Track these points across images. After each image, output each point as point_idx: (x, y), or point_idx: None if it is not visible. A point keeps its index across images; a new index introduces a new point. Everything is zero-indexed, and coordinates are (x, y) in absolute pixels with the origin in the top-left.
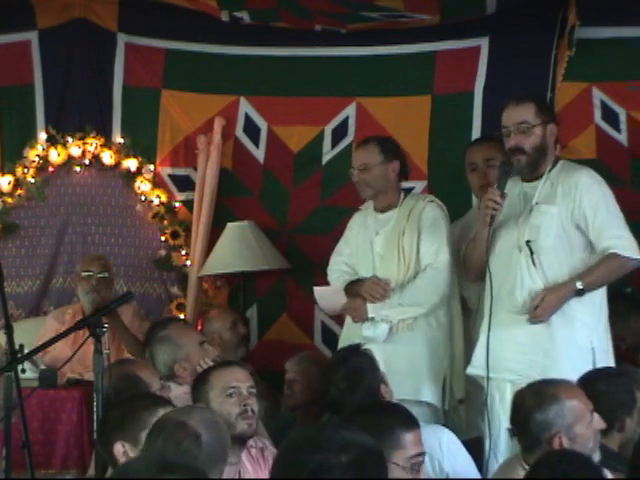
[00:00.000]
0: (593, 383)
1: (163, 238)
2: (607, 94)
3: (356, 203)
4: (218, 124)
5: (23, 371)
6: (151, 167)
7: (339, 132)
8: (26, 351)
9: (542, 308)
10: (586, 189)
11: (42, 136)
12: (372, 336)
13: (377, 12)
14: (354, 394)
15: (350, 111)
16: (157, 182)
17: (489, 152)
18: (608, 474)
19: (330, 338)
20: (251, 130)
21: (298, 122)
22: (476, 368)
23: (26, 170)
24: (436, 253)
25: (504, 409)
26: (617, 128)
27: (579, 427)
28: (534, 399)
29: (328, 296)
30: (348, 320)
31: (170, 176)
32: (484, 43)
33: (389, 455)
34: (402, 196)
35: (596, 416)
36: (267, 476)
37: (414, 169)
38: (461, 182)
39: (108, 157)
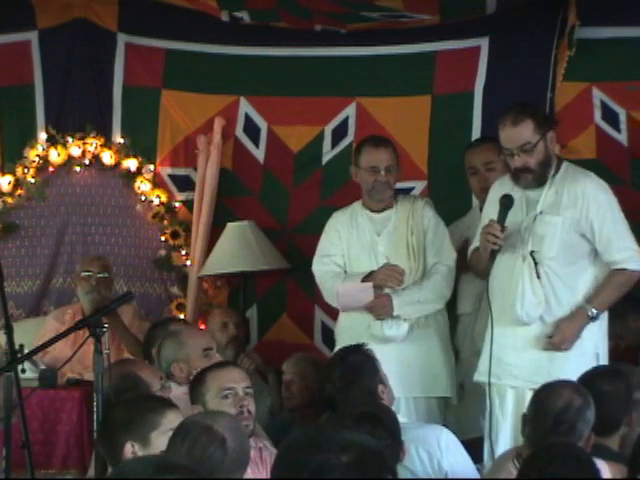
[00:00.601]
0: (594, 383)
1: (163, 238)
2: (607, 94)
3: None
4: (218, 124)
5: (23, 371)
6: (151, 167)
7: (339, 132)
8: (26, 351)
9: (560, 341)
10: (593, 198)
11: (42, 136)
12: (395, 335)
13: (377, 12)
14: (350, 392)
15: (350, 111)
16: (157, 182)
17: (488, 156)
18: (605, 467)
19: (330, 338)
20: (251, 130)
21: (298, 122)
22: (483, 375)
23: (26, 170)
24: (445, 250)
25: (503, 414)
26: (617, 128)
27: None
28: (582, 399)
29: (355, 293)
30: (348, 320)
31: (170, 176)
32: (484, 43)
33: None
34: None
35: None
36: (265, 476)
37: (414, 169)
38: (461, 182)
39: (108, 157)
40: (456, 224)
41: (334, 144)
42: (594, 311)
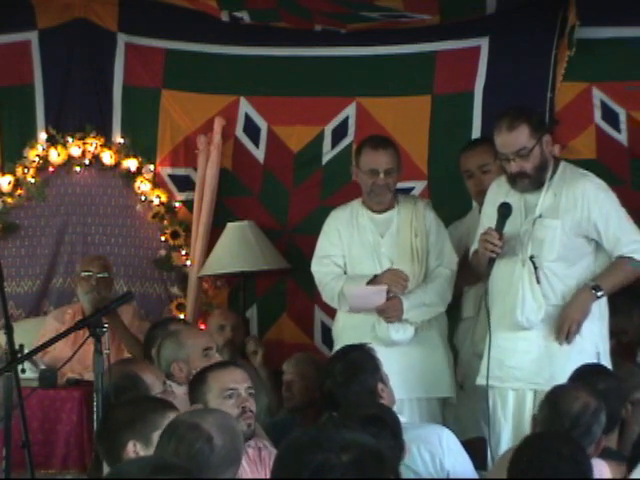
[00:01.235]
0: (594, 382)
1: (163, 238)
2: (607, 94)
3: None
4: (218, 124)
5: (23, 371)
6: (151, 167)
7: (339, 132)
8: (26, 351)
9: (562, 325)
10: (593, 199)
11: (42, 136)
12: (401, 339)
13: (377, 12)
14: (349, 388)
15: (350, 111)
16: (157, 182)
17: (482, 158)
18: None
19: (330, 338)
20: (251, 130)
21: (298, 122)
22: (484, 378)
23: (26, 170)
24: (446, 254)
25: (505, 416)
26: (617, 128)
27: None
28: (597, 401)
29: (369, 295)
30: (350, 320)
31: (170, 176)
32: (484, 43)
33: None
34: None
35: None
36: (264, 476)
37: (414, 169)
38: (461, 182)
39: (108, 157)
40: (456, 225)
41: (334, 144)
42: (601, 293)
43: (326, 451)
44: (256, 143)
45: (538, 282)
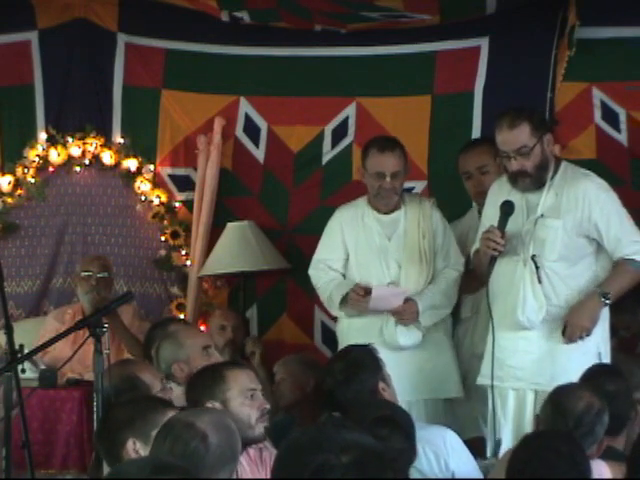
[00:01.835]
0: (598, 383)
1: (163, 238)
2: (607, 94)
3: None
4: (218, 124)
5: (23, 371)
6: (151, 167)
7: (339, 132)
8: (26, 351)
9: (572, 334)
10: (595, 199)
11: (42, 136)
12: (410, 345)
13: (377, 12)
14: (349, 386)
15: (350, 111)
16: (157, 182)
17: (481, 159)
18: (606, 468)
19: (330, 338)
20: (251, 130)
21: (298, 122)
22: (485, 377)
23: (26, 170)
24: (453, 255)
25: (505, 416)
26: (617, 128)
27: None
28: (600, 402)
29: (388, 297)
30: (357, 322)
31: (170, 176)
32: (484, 43)
33: None
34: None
35: None
36: (265, 476)
37: (414, 169)
38: (461, 182)
39: (108, 157)
40: (455, 224)
41: (334, 144)
42: (609, 300)
43: (326, 452)
44: (256, 143)
45: (539, 282)
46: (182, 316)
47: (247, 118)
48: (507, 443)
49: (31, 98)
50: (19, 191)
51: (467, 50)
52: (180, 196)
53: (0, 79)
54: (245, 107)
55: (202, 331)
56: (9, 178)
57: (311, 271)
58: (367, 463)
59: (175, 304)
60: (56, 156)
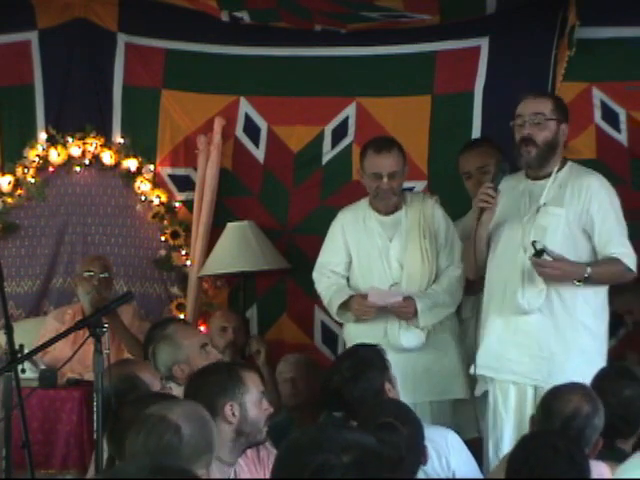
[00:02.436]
0: (614, 388)
1: (163, 238)
2: (607, 94)
3: None
4: (218, 124)
5: (23, 371)
6: (151, 167)
7: (339, 132)
8: (26, 351)
9: (550, 268)
10: (596, 194)
11: (42, 136)
12: (412, 346)
13: (377, 12)
14: (356, 384)
15: (350, 111)
16: (157, 182)
17: (481, 159)
18: (606, 469)
19: (330, 338)
20: (251, 130)
21: (298, 122)
22: (479, 367)
23: (26, 170)
24: (456, 253)
25: (507, 411)
26: (617, 128)
27: None
28: (590, 405)
29: (384, 297)
30: (360, 328)
31: (170, 176)
32: (484, 43)
33: None
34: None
35: None
36: (264, 476)
37: (414, 169)
38: (461, 182)
39: (108, 157)
40: (457, 224)
41: (334, 144)
42: (588, 273)
43: (326, 451)
44: (256, 143)
45: None
46: (182, 316)
47: (247, 118)
48: (509, 438)
49: (31, 98)
50: (19, 191)
51: (467, 50)
52: (180, 196)
53: (0, 79)
54: (245, 107)
55: (198, 330)
56: (9, 178)
57: (314, 274)
58: (367, 463)
59: (175, 304)
60: (56, 156)
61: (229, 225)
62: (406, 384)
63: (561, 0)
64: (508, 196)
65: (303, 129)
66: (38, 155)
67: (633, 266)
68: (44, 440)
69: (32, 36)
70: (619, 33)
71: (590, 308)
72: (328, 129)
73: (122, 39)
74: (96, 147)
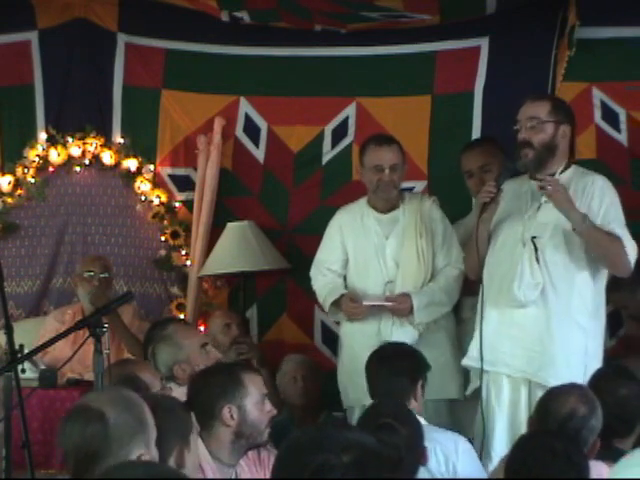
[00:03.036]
0: (609, 387)
1: (163, 238)
2: (607, 94)
3: None
4: (218, 124)
5: (23, 371)
6: (151, 167)
7: (339, 132)
8: (26, 351)
9: (554, 186)
10: (599, 190)
11: (42, 136)
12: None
13: (377, 12)
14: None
15: (350, 111)
16: (157, 182)
17: (483, 158)
18: (607, 469)
19: (330, 338)
20: (251, 130)
21: (298, 122)
22: (472, 359)
23: (26, 170)
24: (454, 253)
25: (500, 405)
26: (617, 128)
27: None
28: (586, 406)
29: (376, 300)
30: (355, 326)
31: (170, 176)
32: (484, 43)
33: None
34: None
35: None
36: (263, 476)
37: (414, 169)
38: (461, 182)
39: (108, 157)
40: (459, 224)
41: (334, 144)
42: (587, 224)
43: (326, 451)
44: (256, 143)
45: (538, 262)
46: (182, 316)
47: (247, 118)
48: (500, 432)
49: (31, 98)
50: (19, 191)
51: (467, 50)
52: (180, 196)
53: (0, 79)
54: (245, 107)
55: (198, 330)
56: (9, 178)
57: (311, 272)
58: (367, 463)
59: (175, 304)
60: (56, 156)
61: (229, 225)
62: None
63: (561, 0)
64: (511, 197)
65: (303, 129)
66: (38, 155)
67: (632, 258)
68: (44, 440)
69: (32, 36)
70: (619, 33)
71: (586, 306)
72: (328, 129)
73: (122, 39)
74: (96, 147)
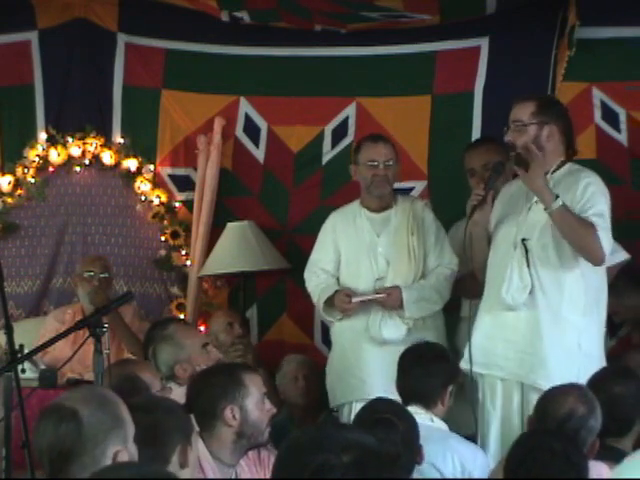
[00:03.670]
0: (605, 386)
1: (163, 238)
2: (607, 94)
3: None
4: (218, 124)
5: (23, 371)
6: (151, 167)
7: (339, 132)
8: (26, 351)
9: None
10: (586, 180)
11: (42, 136)
12: (393, 338)
13: (377, 12)
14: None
15: (350, 111)
16: (157, 182)
17: (487, 157)
18: (607, 469)
19: (330, 338)
20: (251, 130)
21: (298, 122)
22: (466, 362)
23: (26, 170)
24: (446, 254)
25: (494, 408)
26: (617, 128)
27: None
28: (585, 406)
29: (367, 296)
30: (345, 323)
31: (170, 176)
32: (484, 43)
33: None
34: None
35: None
36: (263, 476)
37: (414, 169)
38: (461, 182)
39: (108, 157)
40: (458, 225)
41: (334, 144)
42: (560, 203)
43: (326, 451)
44: (256, 143)
45: (528, 265)
46: (182, 316)
47: (247, 118)
48: (495, 434)
49: (31, 98)
50: (19, 191)
51: (467, 50)
52: (180, 196)
53: (0, 79)
54: (245, 107)
55: (198, 330)
56: (9, 178)
57: (305, 273)
58: (367, 463)
59: (175, 304)
60: (56, 156)
61: (229, 225)
62: (388, 380)
63: (561, 0)
64: (509, 199)
65: (303, 129)
66: (38, 155)
67: (606, 248)
68: None
69: (32, 36)
70: (619, 33)
71: (577, 304)
72: (328, 129)
73: (122, 39)
74: (96, 147)
